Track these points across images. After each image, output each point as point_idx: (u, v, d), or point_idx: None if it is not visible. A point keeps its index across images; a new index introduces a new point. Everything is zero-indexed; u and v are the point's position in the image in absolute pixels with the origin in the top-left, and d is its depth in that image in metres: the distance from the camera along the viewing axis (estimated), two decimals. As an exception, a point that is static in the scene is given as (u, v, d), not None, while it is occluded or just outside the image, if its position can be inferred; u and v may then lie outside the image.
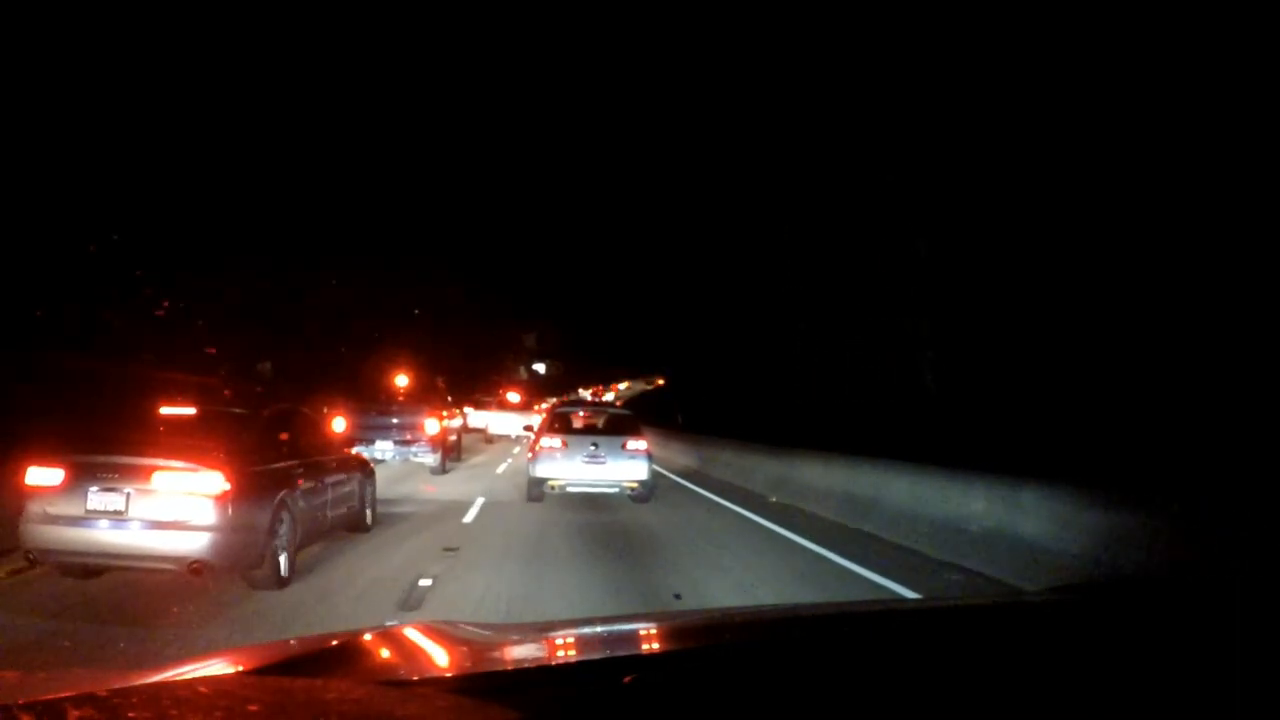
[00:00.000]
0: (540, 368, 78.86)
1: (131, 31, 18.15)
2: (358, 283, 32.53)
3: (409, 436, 16.19)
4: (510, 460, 20.63)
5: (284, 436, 7.46)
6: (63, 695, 1.05)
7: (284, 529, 6.69)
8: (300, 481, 7.23)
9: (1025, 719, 1.23)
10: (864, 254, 23.91)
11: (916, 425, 18.19)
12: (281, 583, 6.52)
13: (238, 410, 7.79)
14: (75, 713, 0.97)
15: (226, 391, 18.29)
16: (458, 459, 19.88)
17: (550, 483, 12.44)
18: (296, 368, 25.46)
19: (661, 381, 75.95)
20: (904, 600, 6.61)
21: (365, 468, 9.34)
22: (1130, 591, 2.34)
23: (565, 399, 29.44)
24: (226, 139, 22.49)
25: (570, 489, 12.59)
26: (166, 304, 20.10)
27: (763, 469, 15.54)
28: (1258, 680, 1.24)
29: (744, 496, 14.20)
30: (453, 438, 18.96)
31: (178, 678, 1.34)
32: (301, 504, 7.15)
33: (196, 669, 1.41)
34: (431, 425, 16.38)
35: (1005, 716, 1.23)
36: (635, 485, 12.48)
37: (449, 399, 20.18)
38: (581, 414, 14.92)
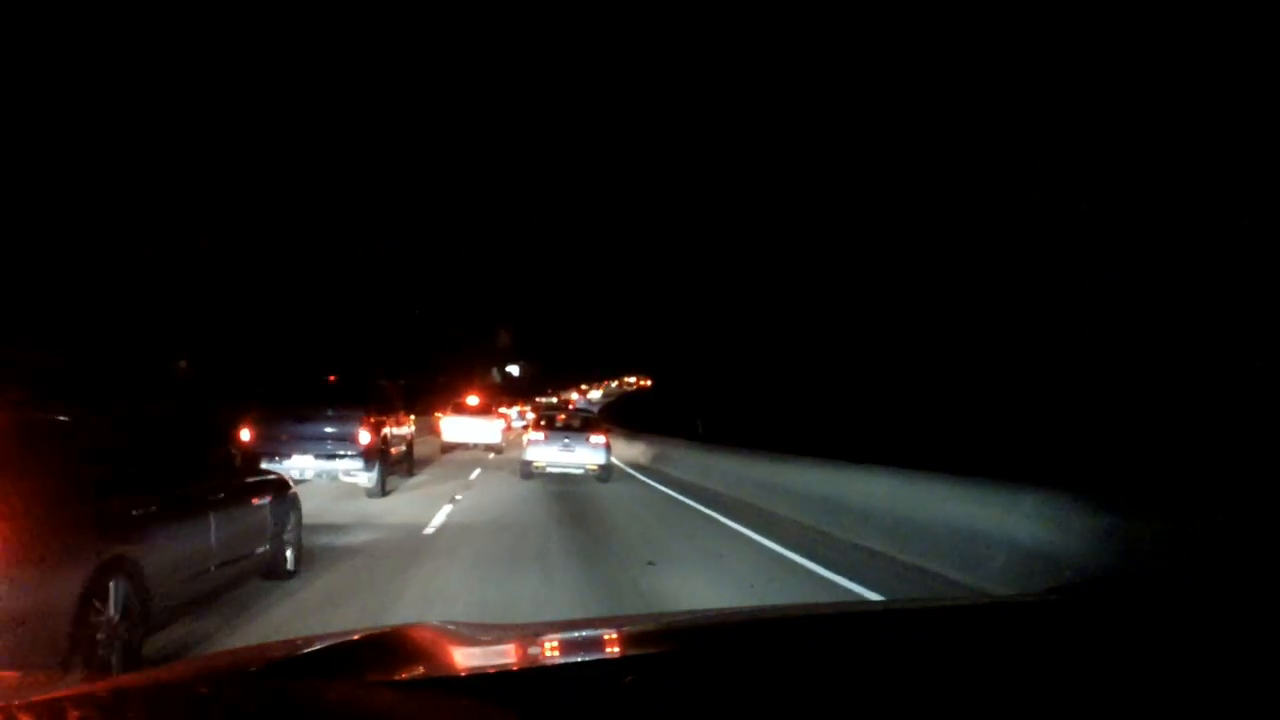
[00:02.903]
0: (514, 369, 78.22)
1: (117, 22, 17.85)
2: (314, 271, 31.03)
3: (337, 449, 12.65)
4: (463, 496, 13.66)
5: (130, 455, 4.93)
6: (62, 695, 1.05)
7: (115, 606, 4.24)
8: (155, 524, 4.76)
9: (1023, 718, 1.22)
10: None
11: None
12: None
13: (57, 416, 4.62)
14: (75, 713, 0.96)
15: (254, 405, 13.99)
16: (409, 474, 16.32)
17: (535, 464, 16.40)
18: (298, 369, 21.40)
19: (649, 382, 73.90)
20: (904, 600, 6.64)
21: (282, 492, 6.99)
22: (1129, 592, 2.36)
23: (541, 405, 29.15)
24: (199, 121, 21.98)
25: (550, 469, 16.40)
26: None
27: (940, 523, 8.62)
28: (1253, 679, 1.25)
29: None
30: (400, 448, 15.41)
31: (178, 678, 1.33)
32: (156, 560, 4.64)
33: (196, 670, 1.38)
34: (364, 435, 12.67)
35: (1004, 716, 1.22)
36: (596, 468, 16.48)
37: (397, 401, 15.95)
38: (560, 415, 19.66)
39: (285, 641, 1.77)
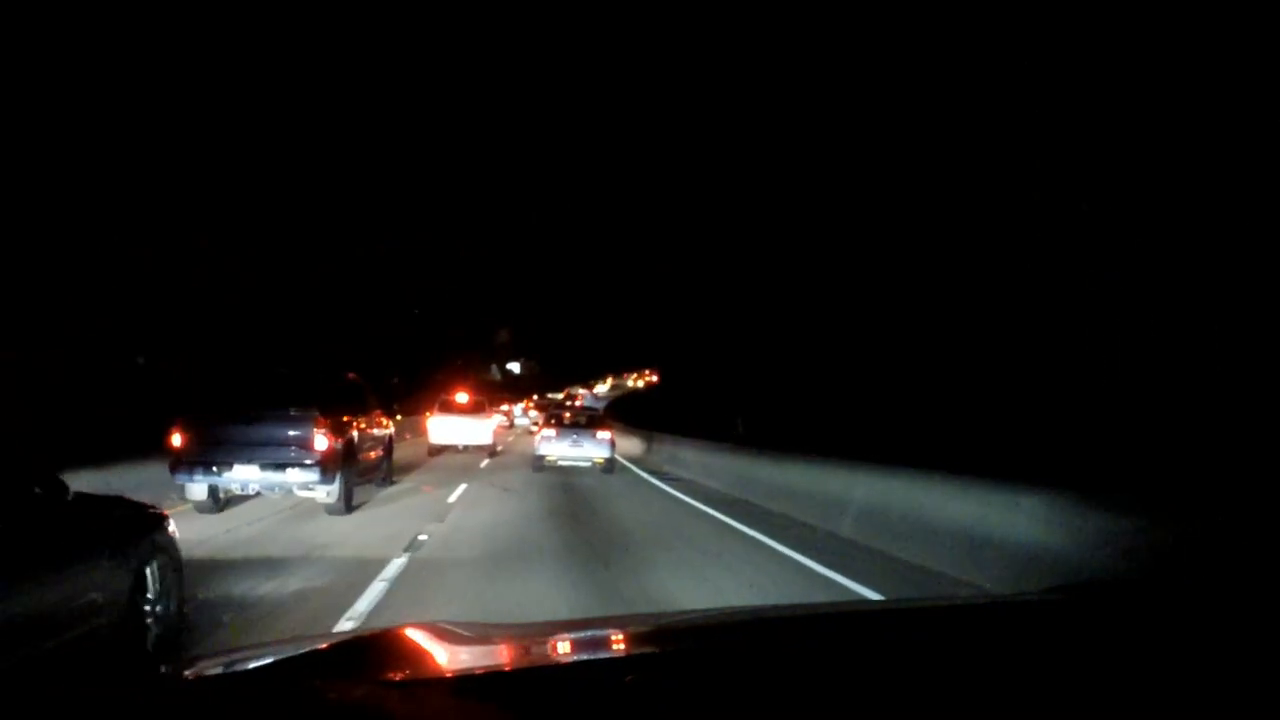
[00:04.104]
0: (514, 367, 78.13)
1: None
2: (314, 271, 30.70)
3: (288, 457, 10.41)
4: (428, 535, 9.52)
5: None
6: (57, 695, 1.04)
7: None
8: None
9: (1024, 718, 1.21)
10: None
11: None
12: None
13: None
14: (72, 713, 0.96)
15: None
16: (389, 481, 14.39)
17: (547, 458, 18.05)
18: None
19: (655, 378, 73.26)
20: (906, 600, 6.62)
21: (138, 535, 4.59)
22: (1129, 591, 2.36)
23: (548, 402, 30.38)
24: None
25: (560, 463, 18.02)
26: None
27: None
28: (1254, 679, 1.25)
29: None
30: (376, 453, 13.33)
31: (174, 679, 1.33)
32: None
33: (194, 670, 1.38)
34: (320, 439, 10.44)
35: (1004, 716, 1.21)
36: (602, 461, 18.03)
37: (370, 399, 13.75)
38: (567, 414, 22.08)
39: (282, 642, 1.76)
